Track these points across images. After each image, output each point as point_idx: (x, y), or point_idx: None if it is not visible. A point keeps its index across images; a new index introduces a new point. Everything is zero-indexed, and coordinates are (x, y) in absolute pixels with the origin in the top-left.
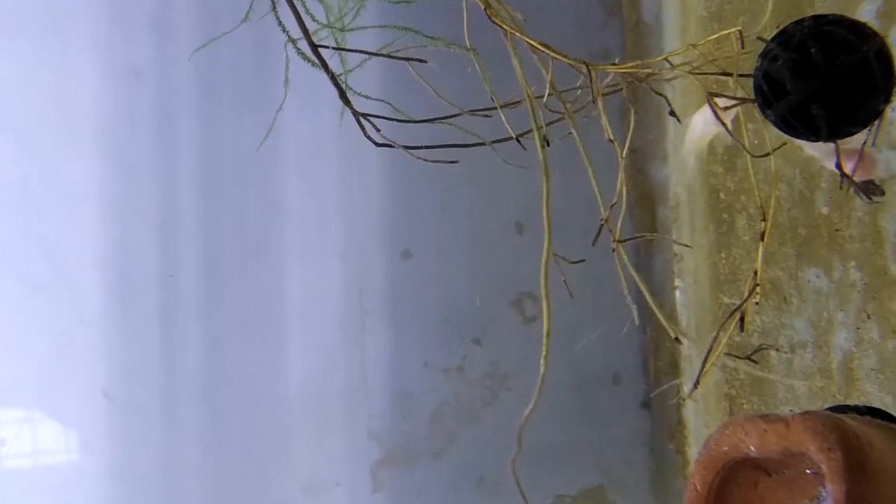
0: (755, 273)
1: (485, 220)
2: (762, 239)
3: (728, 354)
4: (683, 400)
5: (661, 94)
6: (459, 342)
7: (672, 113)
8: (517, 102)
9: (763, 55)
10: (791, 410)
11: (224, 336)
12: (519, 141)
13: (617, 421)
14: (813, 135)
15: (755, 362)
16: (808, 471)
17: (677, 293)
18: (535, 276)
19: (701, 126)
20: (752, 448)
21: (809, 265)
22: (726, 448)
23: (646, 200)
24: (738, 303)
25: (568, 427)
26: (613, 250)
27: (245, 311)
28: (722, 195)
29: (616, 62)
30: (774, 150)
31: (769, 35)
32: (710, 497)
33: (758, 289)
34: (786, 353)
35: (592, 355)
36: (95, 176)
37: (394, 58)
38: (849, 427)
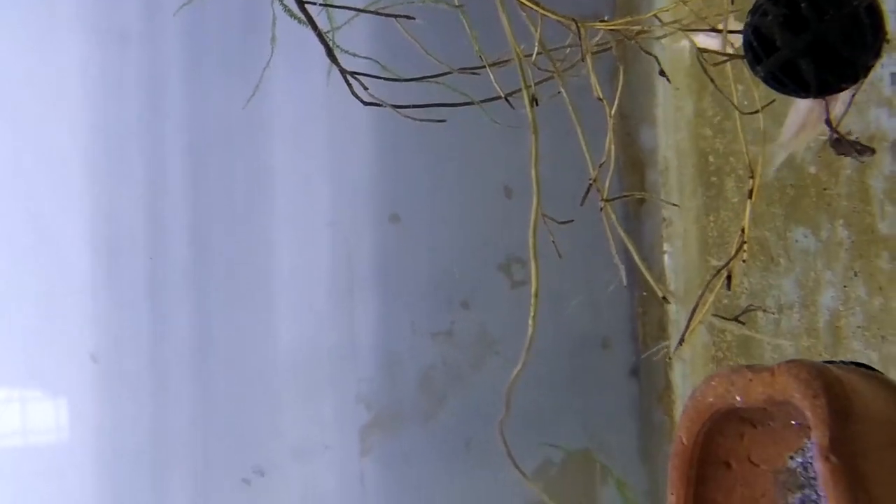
0: (743, 230)
1: (473, 183)
2: (750, 196)
3: (715, 315)
4: (670, 358)
5: (650, 54)
6: (448, 306)
7: (662, 72)
8: (506, 61)
9: (753, 10)
10: None
11: (213, 301)
12: (507, 100)
13: (605, 385)
14: (802, 90)
15: (742, 323)
16: (793, 422)
17: (666, 258)
18: (524, 240)
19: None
20: (738, 398)
21: (797, 225)
22: (712, 399)
23: (635, 165)
24: (727, 269)
25: (556, 391)
26: (601, 209)
27: (234, 276)
28: (711, 158)
29: (605, 20)
30: (763, 107)
31: None
32: (696, 449)
33: (745, 246)
34: (773, 313)
35: (580, 321)
36: (82, 141)
37: (381, 14)
38: (833, 374)
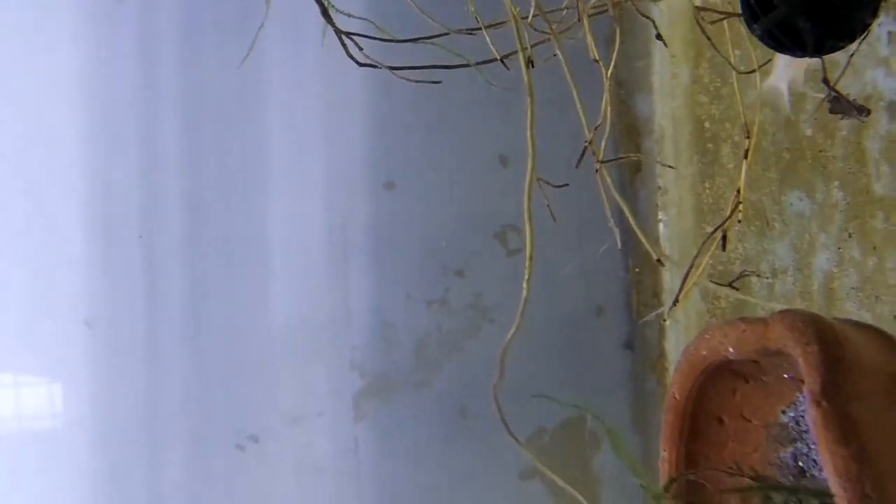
0: (738, 191)
1: (469, 151)
2: (745, 157)
3: (711, 281)
4: (665, 320)
5: (647, 17)
6: (443, 274)
7: (659, 36)
8: (502, 23)
9: None
10: None
11: (207, 269)
12: (503, 62)
13: (598, 354)
14: (799, 49)
15: (736, 289)
16: (785, 375)
17: (661, 226)
18: (519, 208)
19: None
20: (731, 350)
21: (792, 188)
22: (705, 352)
23: (630, 133)
24: (722, 230)
25: (549, 361)
26: (597, 171)
27: (228, 243)
28: (707, 124)
29: None
30: (760, 66)
31: None
32: (689, 404)
33: (740, 206)
34: (767, 278)
35: (574, 289)
36: (76, 111)
37: None
38: (826, 323)
